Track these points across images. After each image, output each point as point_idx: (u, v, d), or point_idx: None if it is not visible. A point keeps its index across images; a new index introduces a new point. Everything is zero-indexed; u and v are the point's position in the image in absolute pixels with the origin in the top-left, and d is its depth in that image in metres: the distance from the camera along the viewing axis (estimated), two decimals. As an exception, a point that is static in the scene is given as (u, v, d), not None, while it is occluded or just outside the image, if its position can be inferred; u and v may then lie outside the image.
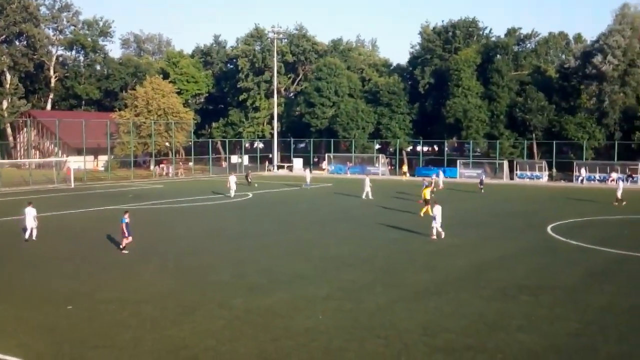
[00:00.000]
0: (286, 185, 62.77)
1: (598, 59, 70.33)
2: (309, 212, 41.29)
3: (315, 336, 15.34)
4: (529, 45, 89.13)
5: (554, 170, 72.97)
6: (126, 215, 26.36)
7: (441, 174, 64.83)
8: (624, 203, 44.42)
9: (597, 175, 69.38)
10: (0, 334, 15.51)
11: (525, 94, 75.62)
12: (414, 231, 32.01)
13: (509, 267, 23.54)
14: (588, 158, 71.96)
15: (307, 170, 65.90)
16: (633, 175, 67.03)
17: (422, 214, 37.37)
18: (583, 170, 68.83)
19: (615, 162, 68.79)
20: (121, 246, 26.26)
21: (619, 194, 45.40)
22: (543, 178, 71.43)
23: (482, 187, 56.82)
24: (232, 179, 51.64)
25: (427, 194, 38.31)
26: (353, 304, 18.20)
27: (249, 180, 63.57)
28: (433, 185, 48.29)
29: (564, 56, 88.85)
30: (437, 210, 29.88)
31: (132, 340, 15.00)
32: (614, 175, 66.32)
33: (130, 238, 26.16)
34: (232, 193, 50.32)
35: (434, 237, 29.49)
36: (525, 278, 21.61)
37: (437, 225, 29.59)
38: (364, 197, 47.71)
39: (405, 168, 78.42)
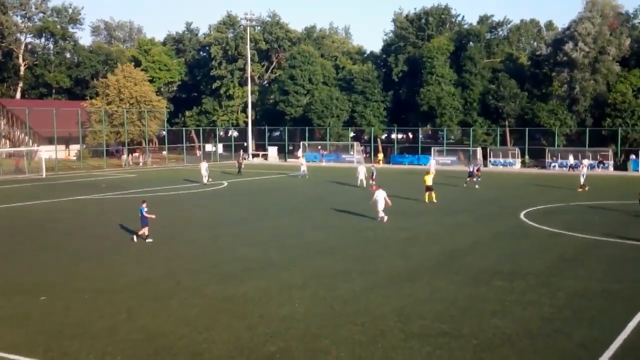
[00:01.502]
0: (268, 174, 62.60)
1: (569, 46, 71.00)
2: (283, 200, 41.26)
3: (291, 324, 15.35)
4: (501, 32, 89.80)
5: (527, 157, 73.69)
6: (144, 205, 26.14)
7: (433, 160, 64.51)
8: (587, 188, 44.99)
9: (569, 162, 70.09)
10: (-28, 325, 15.30)
11: (498, 81, 76.19)
12: (388, 219, 32.18)
13: (482, 253, 23.75)
14: (560, 145, 72.75)
15: (303, 158, 63.97)
16: (604, 162, 67.98)
17: (427, 200, 37.82)
18: (571, 158, 67.94)
19: (587, 148, 69.63)
20: (145, 234, 25.99)
21: (582, 180, 45.99)
22: (516, 165, 72.07)
23: (479, 177, 51.03)
24: (204, 166, 51.95)
25: (428, 180, 38.63)
26: (328, 291, 18.24)
27: (241, 167, 62.15)
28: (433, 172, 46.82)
29: (535, 43, 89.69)
30: (380, 195, 31.04)
31: (107, 329, 14.89)
32: (571, 160, 67.02)
33: (144, 229, 25.98)
34: (205, 180, 50.33)
35: (380, 218, 30.88)
36: (498, 264, 21.82)
37: (379, 209, 30.72)
38: (358, 184, 47.44)
39: (380, 156, 78.70)
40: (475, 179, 48.75)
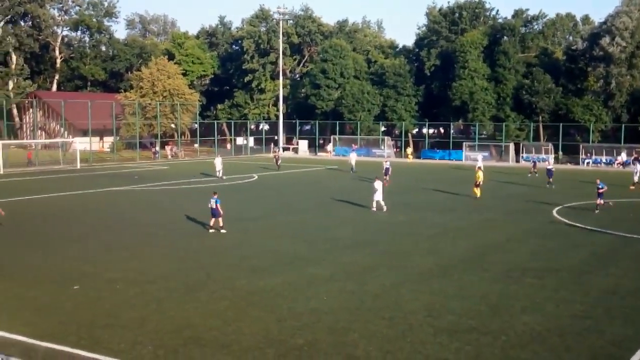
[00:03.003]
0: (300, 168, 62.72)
1: (606, 40, 69.85)
2: (312, 195, 41.31)
3: (320, 317, 15.39)
4: (536, 26, 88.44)
5: (560, 152, 72.72)
6: (216, 196, 26.62)
7: (480, 156, 63.86)
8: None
9: (604, 158, 69.10)
10: (6, 313, 15.62)
11: (532, 76, 75.23)
12: (418, 214, 32.04)
13: (513, 250, 23.54)
14: (594, 141, 71.70)
15: (353, 153, 60.61)
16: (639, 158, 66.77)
17: (478, 194, 37.78)
18: (624, 155, 66.54)
19: (622, 144, 68.49)
20: (220, 224, 26.43)
21: (635, 178, 45.28)
22: (549, 160, 71.07)
23: (535, 171, 53.78)
24: (218, 161, 52.03)
25: (480, 176, 38.45)
26: (357, 285, 18.24)
27: (278, 161, 61.50)
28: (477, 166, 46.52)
29: (571, 38, 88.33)
30: (378, 185, 32.58)
31: (138, 320, 15.09)
32: (623, 157, 65.95)
33: (214, 220, 26.48)
34: (221, 174, 50.36)
35: (374, 209, 32.30)
36: (529, 260, 21.61)
37: (379, 198, 32.28)
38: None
39: (410, 150, 78.26)
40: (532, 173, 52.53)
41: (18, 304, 16.34)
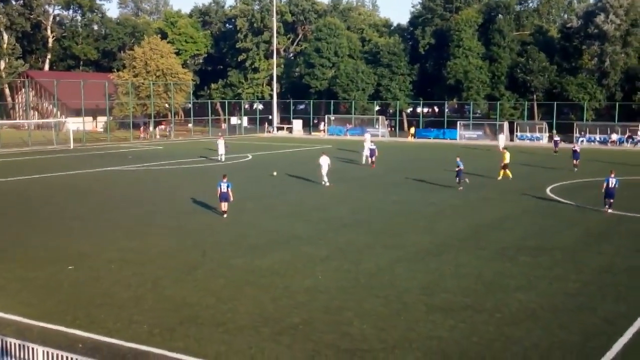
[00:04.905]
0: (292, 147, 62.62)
1: (600, 18, 69.75)
2: (307, 174, 41.28)
3: (315, 295, 15.48)
4: (531, 4, 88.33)
5: (554, 131, 72.76)
6: (226, 179, 25.34)
7: (502, 135, 62.56)
8: None
9: (597, 137, 69.23)
10: (5, 293, 15.66)
11: (527, 54, 75.14)
12: (414, 193, 32.12)
13: (508, 228, 23.66)
14: (588, 119, 71.77)
15: (368, 134, 56.37)
16: (633, 137, 66.96)
17: (500, 177, 37.03)
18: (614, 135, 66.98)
19: (616, 123, 68.60)
20: (223, 210, 25.30)
21: None
22: (543, 139, 71.25)
23: (556, 151, 54.92)
24: (221, 143, 49.02)
25: (506, 157, 37.58)
26: (352, 264, 18.33)
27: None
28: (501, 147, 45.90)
29: (566, 16, 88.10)
30: (323, 161, 34.31)
31: (134, 299, 15.15)
32: (614, 137, 66.21)
33: (224, 204, 25.25)
34: (222, 157, 48.30)
35: (326, 183, 34.18)
36: (524, 239, 21.73)
37: (323, 172, 34.20)
38: (363, 162, 46.20)
39: (412, 130, 77.54)
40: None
41: (17, 285, 16.36)
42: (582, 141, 63.95)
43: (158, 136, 78.73)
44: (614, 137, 67.55)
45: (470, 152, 56.50)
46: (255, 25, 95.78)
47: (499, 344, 12.66)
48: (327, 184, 34.17)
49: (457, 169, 33.35)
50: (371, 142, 46.44)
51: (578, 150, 43.88)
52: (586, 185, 34.05)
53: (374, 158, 44.21)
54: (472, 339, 12.88)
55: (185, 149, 59.58)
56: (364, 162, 45.09)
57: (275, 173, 38.87)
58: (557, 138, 59.41)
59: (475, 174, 38.15)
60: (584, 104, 71.28)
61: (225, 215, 25.21)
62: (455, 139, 74.21)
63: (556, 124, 72.33)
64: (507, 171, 37.19)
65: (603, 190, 26.96)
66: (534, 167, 45.27)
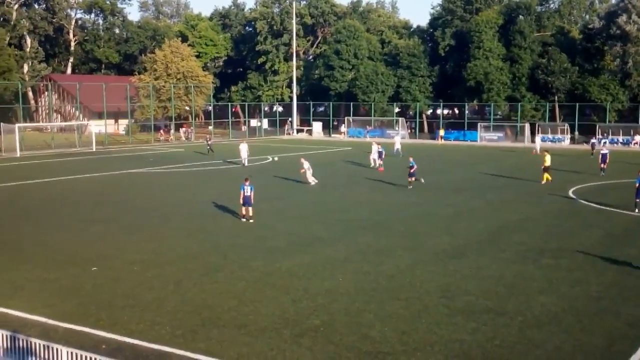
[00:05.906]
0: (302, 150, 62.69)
1: (623, 19, 69.04)
2: (326, 176, 41.30)
3: (335, 297, 15.49)
4: (552, 5, 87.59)
5: (576, 132, 72.19)
6: (248, 183, 24.99)
7: (538, 138, 62.10)
8: None
9: (620, 138, 68.53)
10: (27, 294, 15.84)
11: (548, 55, 74.55)
12: (433, 195, 32.01)
13: (529, 230, 23.49)
14: (611, 120, 71.05)
15: (398, 137, 56.51)
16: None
17: (550, 178, 36.16)
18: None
19: (639, 124, 67.84)
20: (250, 215, 24.96)
21: None
22: (565, 141, 70.66)
23: (592, 153, 53.84)
24: (244, 147, 47.14)
25: (548, 160, 36.64)
26: (372, 266, 18.31)
27: (209, 147, 57.45)
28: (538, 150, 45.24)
29: (587, 16, 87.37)
30: (306, 164, 35.51)
31: (156, 301, 15.26)
32: (638, 138, 65.49)
33: (245, 209, 24.97)
34: (245, 162, 46.79)
35: (313, 183, 35.25)
36: (545, 241, 21.57)
37: (309, 173, 35.39)
38: (371, 165, 45.68)
39: (442, 132, 76.57)
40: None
41: (39, 286, 16.55)
42: (605, 142, 63.34)
43: (183, 138, 79.15)
44: (637, 138, 66.82)
45: (492, 154, 56.18)
46: (274, 27, 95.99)
47: (522, 347, 12.58)
48: (313, 182, 35.59)
49: (410, 169, 34.06)
50: (378, 144, 45.95)
51: (607, 152, 41.93)
52: (610, 187, 33.71)
53: (381, 161, 44.16)
54: (494, 342, 12.82)
55: (205, 151, 59.67)
56: (372, 165, 45.08)
57: (276, 158, 39.26)
58: (594, 140, 59.06)
59: (499, 175, 37.91)
60: (606, 105, 70.59)
61: (252, 221, 24.74)
62: (476, 141, 73.86)
63: (578, 125, 71.76)
64: (548, 174, 36.16)
65: (637, 189, 26.69)
66: (557, 169, 44.87)
